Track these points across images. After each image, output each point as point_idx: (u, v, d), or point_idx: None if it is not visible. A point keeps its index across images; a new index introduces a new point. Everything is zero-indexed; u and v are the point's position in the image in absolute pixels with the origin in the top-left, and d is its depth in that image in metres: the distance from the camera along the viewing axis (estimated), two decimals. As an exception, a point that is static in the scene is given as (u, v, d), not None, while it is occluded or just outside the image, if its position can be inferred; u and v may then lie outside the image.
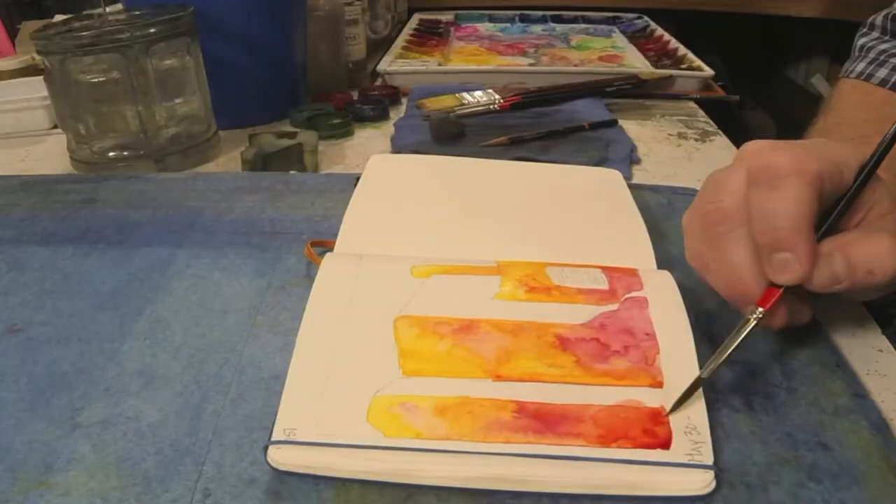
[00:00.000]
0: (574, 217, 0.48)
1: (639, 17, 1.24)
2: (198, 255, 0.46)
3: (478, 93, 0.78)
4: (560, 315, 0.36)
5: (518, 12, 1.27)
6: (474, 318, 0.35)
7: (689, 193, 0.55)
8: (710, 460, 0.29)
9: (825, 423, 0.32)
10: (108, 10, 0.67)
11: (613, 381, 0.33)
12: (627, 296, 0.38)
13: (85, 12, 0.69)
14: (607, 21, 1.23)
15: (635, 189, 0.56)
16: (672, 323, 0.36)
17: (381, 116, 0.77)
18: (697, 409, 0.31)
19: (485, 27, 1.19)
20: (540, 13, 1.27)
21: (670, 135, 0.72)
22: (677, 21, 1.26)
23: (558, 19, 1.25)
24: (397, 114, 0.79)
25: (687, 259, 0.37)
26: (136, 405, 0.33)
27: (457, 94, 0.78)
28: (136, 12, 0.67)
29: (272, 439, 0.29)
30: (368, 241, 0.43)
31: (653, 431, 0.30)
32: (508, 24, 1.21)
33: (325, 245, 0.44)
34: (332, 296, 0.37)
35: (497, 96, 0.77)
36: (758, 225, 0.33)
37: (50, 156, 0.69)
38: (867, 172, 0.34)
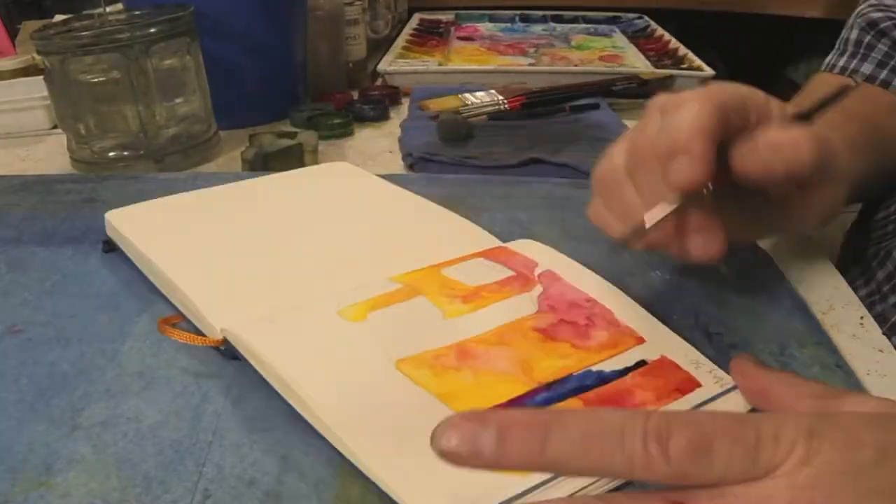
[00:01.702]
0: (376, 217, 0.48)
1: (639, 17, 1.24)
2: (198, 256, 0.45)
3: (480, 93, 0.78)
4: (511, 312, 0.37)
5: (518, 12, 1.27)
6: (456, 342, 0.35)
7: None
8: (732, 381, 0.32)
9: (825, 423, 0.32)
10: (108, 10, 0.67)
11: (611, 351, 0.34)
12: (538, 272, 0.40)
13: (85, 12, 0.69)
14: (608, 21, 1.23)
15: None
16: (591, 283, 0.39)
17: (382, 116, 0.77)
18: (682, 346, 0.35)
19: (485, 27, 1.19)
20: (540, 13, 1.27)
21: (670, 135, 0.72)
22: (677, 21, 1.26)
23: (559, 19, 1.25)
24: (397, 114, 0.79)
25: (590, 218, 0.39)
26: (136, 406, 0.33)
27: (459, 95, 0.78)
28: (136, 12, 0.67)
29: None
30: (233, 305, 0.38)
31: (681, 378, 0.33)
32: (509, 24, 1.21)
33: (175, 320, 0.39)
34: (308, 367, 0.33)
35: (500, 97, 0.77)
36: (660, 138, 0.33)
37: (50, 156, 0.69)
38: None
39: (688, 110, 0.33)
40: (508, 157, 0.63)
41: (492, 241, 0.44)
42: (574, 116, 0.75)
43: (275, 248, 0.44)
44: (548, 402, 0.31)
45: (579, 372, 0.33)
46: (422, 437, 0.29)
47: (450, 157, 0.63)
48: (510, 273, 0.40)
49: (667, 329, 0.36)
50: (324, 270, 0.42)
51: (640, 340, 0.35)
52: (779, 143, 0.33)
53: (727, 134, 0.34)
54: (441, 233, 0.46)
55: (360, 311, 0.36)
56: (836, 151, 0.37)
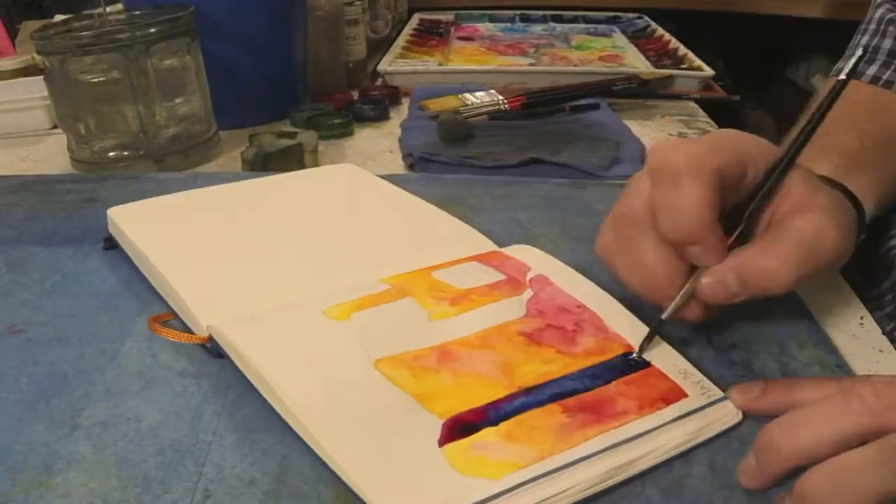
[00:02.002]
0: (373, 219, 0.48)
1: (639, 17, 1.24)
2: (198, 256, 0.46)
3: (480, 93, 0.78)
4: (498, 315, 0.37)
5: (518, 12, 1.27)
6: (438, 344, 0.34)
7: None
8: (720, 392, 0.32)
9: (825, 423, 0.32)
10: (108, 10, 0.67)
11: (597, 357, 0.34)
12: (529, 277, 0.39)
13: (85, 12, 0.69)
14: (608, 21, 1.23)
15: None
16: (582, 289, 0.38)
17: (382, 116, 0.77)
18: (672, 356, 0.34)
19: (485, 27, 1.19)
20: (540, 13, 1.27)
21: (671, 135, 0.72)
22: (677, 21, 1.26)
23: (558, 19, 1.25)
24: (397, 114, 0.79)
25: (596, 250, 0.38)
26: (136, 406, 0.33)
27: (459, 95, 0.78)
28: (136, 12, 0.67)
29: None
30: (224, 303, 0.38)
31: (666, 387, 0.32)
32: (509, 24, 1.21)
33: (167, 318, 0.39)
34: (288, 367, 0.33)
35: (500, 97, 0.77)
36: (663, 224, 0.33)
37: (50, 156, 0.69)
38: (782, 168, 0.35)
39: (684, 197, 0.32)
40: (508, 157, 0.63)
41: (488, 245, 0.44)
42: (574, 116, 0.75)
43: (272, 248, 0.44)
44: (526, 406, 0.31)
45: (561, 377, 0.33)
46: (396, 437, 0.29)
47: (450, 157, 0.63)
48: (501, 277, 0.40)
49: (657, 337, 0.35)
50: (318, 270, 0.42)
51: (629, 348, 0.35)
52: (748, 282, 0.33)
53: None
54: (438, 236, 0.46)
55: (344, 311, 0.36)
56: (839, 233, 0.34)
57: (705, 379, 0.33)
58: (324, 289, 0.38)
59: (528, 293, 0.38)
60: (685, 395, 0.32)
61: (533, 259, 0.41)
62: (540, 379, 0.33)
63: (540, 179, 0.58)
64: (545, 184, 0.57)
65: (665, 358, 0.34)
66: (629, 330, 0.36)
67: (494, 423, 0.30)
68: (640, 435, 0.30)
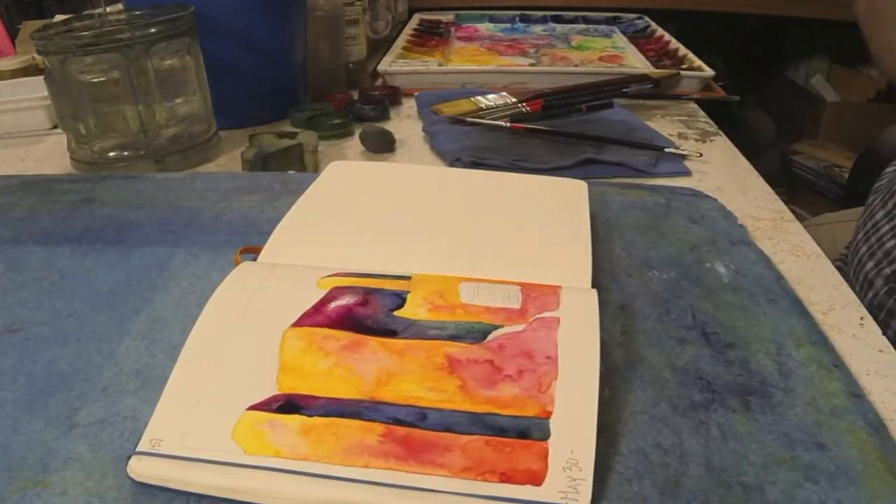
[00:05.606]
0: (518, 230, 0.45)
1: (639, 18, 1.24)
2: (196, 255, 0.46)
3: (492, 96, 0.78)
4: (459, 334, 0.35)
5: (518, 12, 1.27)
6: (365, 336, 0.34)
7: (688, 193, 0.55)
8: (586, 501, 0.27)
9: (822, 423, 0.32)
10: (108, 10, 0.67)
11: (497, 409, 0.31)
12: (538, 316, 0.36)
13: (85, 12, 0.69)
14: (607, 21, 1.23)
15: (636, 189, 0.56)
16: (580, 346, 0.34)
17: (382, 116, 0.77)
18: (584, 443, 0.29)
19: (485, 27, 1.19)
20: (540, 13, 1.27)
21: (671, 135, 0.72)
22: (677, 21, 1.26)
23: (558, 19, 1.25)
24: (397, 114, 0.79)
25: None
26: (133, 405, 0.33)
27: (472, 98, 0.77)
28: (137, 12, 0.67)
29: (136, 449, 0.29)
30: (295, 250, 0.42)
31: (526, 465, 0.28)
32: (509, 25, 1.21)
33: (254, 251, 0.43)
34: (230, 303, 0.36)
35: (513, 99, 0.76)
36: None
37: (50, 156, 0.69)
38: None
39: None
40: (558, 158, 0.63)
41: (582, 280, 0.40)
42: (593, 116, 0.74)
43: (400, 226, 0.46)
44: (349, 414, 0.30)
45: (425, 407, 0.31)
46: (222, 389, 0.31)
47: (502, 161, 0.62)
48: (514, 306, 0.37)
49: (592, 426, 0.30)
50: (411, 254, 0.42)
51: (546, 414, 0.30)
52: None
53: None
54: (544, 256, 0.43)
55: (333, 284, 0.38)
56: None
57: (589, 481, 0.28)
58: (382, 268, 0.39)
59: (516, 328, 0.35)
60: (536, 483, 0.27)
61: (574, 304, 0.37)
62: (400, 399, 0.31)
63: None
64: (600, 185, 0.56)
65: (573, 440, 0.29)
66: (571, 400, 0.31)
67: (310, 414, 0.30)
68: (428, 490, 0.27)
